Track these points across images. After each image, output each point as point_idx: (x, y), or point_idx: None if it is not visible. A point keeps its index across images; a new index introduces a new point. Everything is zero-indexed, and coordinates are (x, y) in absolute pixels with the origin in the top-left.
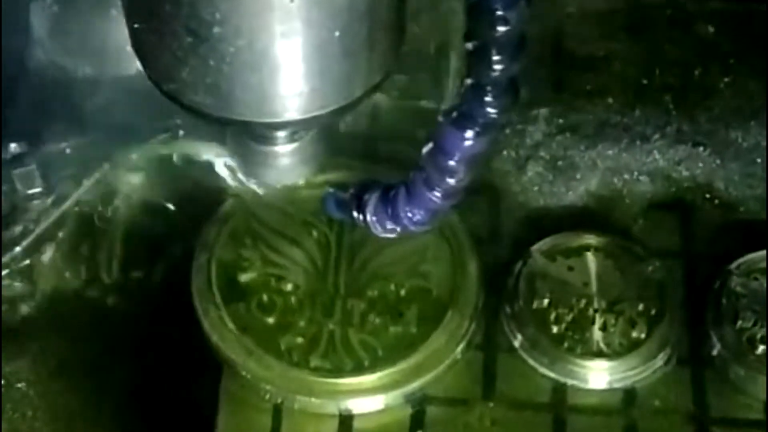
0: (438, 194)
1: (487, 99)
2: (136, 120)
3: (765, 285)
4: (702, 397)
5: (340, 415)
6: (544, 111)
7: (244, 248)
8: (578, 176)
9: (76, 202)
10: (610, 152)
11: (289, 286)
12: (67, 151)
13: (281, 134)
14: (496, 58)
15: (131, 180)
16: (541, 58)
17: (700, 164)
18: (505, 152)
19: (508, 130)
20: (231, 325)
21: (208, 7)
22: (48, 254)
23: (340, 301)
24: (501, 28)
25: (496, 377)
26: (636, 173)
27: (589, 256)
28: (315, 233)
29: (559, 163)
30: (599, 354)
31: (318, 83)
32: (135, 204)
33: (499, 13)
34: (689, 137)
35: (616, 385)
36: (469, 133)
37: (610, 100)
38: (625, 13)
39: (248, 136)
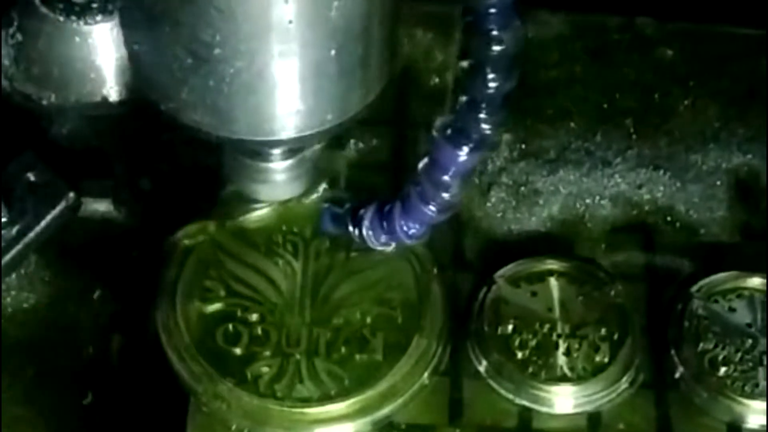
0: (433, 208)
1: (482, 116)
2: (101, 147)
3: (726, 307)
4: (666, 420)
5: None
6: (506, 136)
7: (209, 279)
8: (541, 201)
9: (41, 231)
10: (572, 177)
11: (254, 316)
12: (32, 180)
13: (276, 151)
14: (491, 76)
15: (97, 208)
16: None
17: (661, 187)
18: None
19: None
20: (197, 356)
21: (207, 29)
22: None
23: (306, 330)
24: (496, 48)
25: (462, 403)
26: (598, 197)
27: (552, 282)
28: (280, 262)
29: (522, 188)
30: (563, 379)
31: (314, 102)
32: (101, 232)
33: (495, 33)
34: (650, 161)
35: (581, 409)
36: (464, 149)
37: (572, 125)
38: (586, 37)
39: (243, 153)
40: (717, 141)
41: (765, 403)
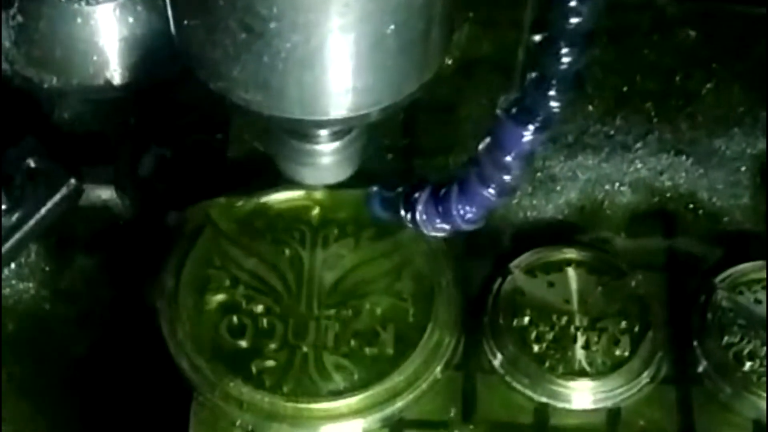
0: (492, 191)
1: (551, 93)
2: (104, 132)
3: (751, 299)
4: (688, 416)
5: None
6: None
7: (213, 268)
8: (558, 188)
9: (41, 219)
10: (590, 162)
11: (260, 308)
12: (32, 166)
13: (324, 132)
14: (564, 50)
15: (100, 195)
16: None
17: (683, 173)
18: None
19: None
20: (200, 349)
21: (265, 2)
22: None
23: (313, 322)
24: (574, 20)
25: (476, 398)
26: (617, 184)
27: (570, 272)
28: (287, 252)
29: (539, 174)
30: (582, 373)
31: (372, 80)
32: (101, 221)
33: (573, 4)
34: (672, 146)
35: (600, 405)
36: (529, 128)
37: (590, 108)
38: (605, 17)
39: (289, 134)
40: (741, 125)
41: None
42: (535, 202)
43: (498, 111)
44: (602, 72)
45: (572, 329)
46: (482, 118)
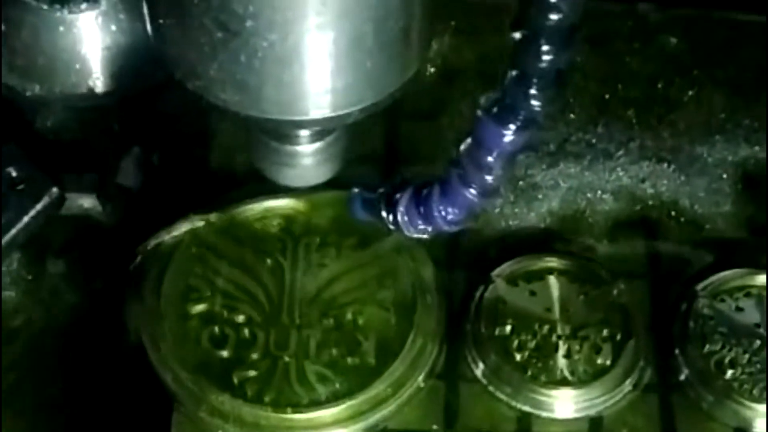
0: (474, 191)
1: (532, 91)
2: (86, 140)
3: (732, 306)
4: (671, 424)
5: None
6: None
7: (195, 278)
8: (540, 196)
9: (24, 227)
10: (572, 170)
11: (241, 318)
12: (13, 175)
13: (305, 133)
14: (545, 48)
15: (82, 204)
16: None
17: (665, 181)
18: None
19: None
20: (182, 359)
21: (240, 0)
22: None
23: (295, 332)
24: (553, 17)
25: (458, 408)
26: (599, 191)
27: (552, 280)
28: (268, 261)
29: (520, 182)
30: (564, 382)
31: (351, 79)
32: (83, 229)
33: (553, 0)
34: (653, 153)
35: (583, 414)
36: (510, 128)
37: (572, 116)
38: (586, 25)
39: (270, 136)
40: (723, 132)
41: None
42: (517, 210)
43: (479, 111)
44: (584, 79)
45: (554, 338)
46: (465, 126)
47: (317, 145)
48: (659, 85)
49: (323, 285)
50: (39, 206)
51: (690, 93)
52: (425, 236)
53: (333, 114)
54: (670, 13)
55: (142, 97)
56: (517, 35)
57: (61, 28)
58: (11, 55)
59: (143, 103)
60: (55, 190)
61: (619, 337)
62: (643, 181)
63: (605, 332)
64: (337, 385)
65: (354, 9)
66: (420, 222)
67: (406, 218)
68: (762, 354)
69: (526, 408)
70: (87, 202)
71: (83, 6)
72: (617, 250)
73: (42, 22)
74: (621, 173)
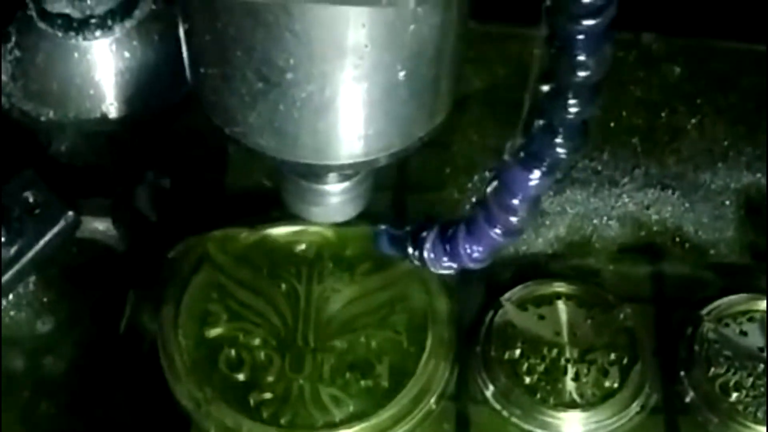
0: (499, 231)
1: (558, 140)
2: (100, 164)
3: (737, 330)
4: None
5: None
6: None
7: (211, 302)
8: (547, 222)
9: (40, 251)
10: (578, 197)
11: (257, 341)
12: (30, 199)
13: (334, 174)
14: (572, 101)
15: (97, 227)
16: (511, 100)
17: (670, 207)
18: (474, 199)
19: (475, 177)
20: (198, 382)
21: (281, 53)
22: (9, 303)
23: (309, 355)
24: (581, 74)
25: (469, 429)
26: (605, 218)
27: (560, 305)
28: (283, 286)
29: None
30: (572, 404)
31: (383, 125)
32: (98, 252)
33: (581, 58)
34: (658, 180)
35: None
36: (536, 173)
37: None
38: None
39: (299, 175)
40: (725, 160)
41: None
42: (525, 236)
43: (505, 155)
44: None
45: (563, 361)
46: (474, 154)
47: (345, 184)
48: (663, 114)
49: (337, 309)
50: (55, 230)
51: (693, 121)
52: (450, 272)
53: (364, 159)
54: (673, 42)
55: (155, 122)
56: (546, 88)
57: (76, 55)
58: (26, 81)
59: (156, 127)
60: (70, 213)
61: (626, 360)
62: (648, 207)
63: (612, 356)
64: (351, 408)
65: (389, 61)
66: (446, 259)
67: (432, 255)
68: (765, 377)
69: (536, 430)
70: (102, 225)
71: (97, 33)
72: (623, 274)
73: (57, 49)
74: (626, 200)
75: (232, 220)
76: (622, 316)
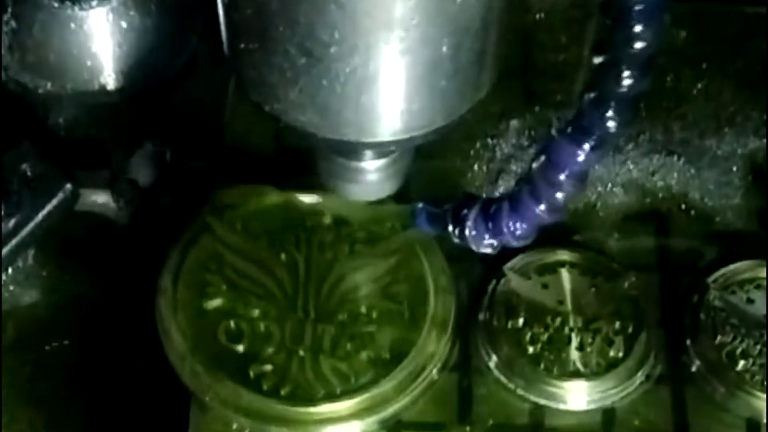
0: (543, 208)
1: (608, 114)
2: (99, 136)
3: (743, 298)
4: (682, 415)
5: None
6: (514, 123)
7: (210, 273)
8: None
9: (38, 224)
10: None
11: (256, 312)
12: (28, 172)
13: (371, 150)
14: (626, 73)
15: (96, 199)
16: (510, 68)
17: (675, 174)
18: (476, 166)
19: (478, 144)
20: (198, 354)
21: (326, 27)
22: (8, 277)
23: (310, 326)
24: (638, 45)
25: (472, 400)
26: (609, 185)
27: (564, 273)
28: (283, 256)
29: None
30: (577, 374)
31: (427, 101)
32: (97, 225)
33: (638, 29)
34: (663, 146)
35: (595, 406)
36: (584, 148)
37: None
38: (594, 19)
39: (336, 152)
40: (732, 125)
41: None
42: None
43: (553, 131)
44: None
45: (566, 330)
46: (476, 121)
47: (382, 161)
48: (668, 79)
49: (337, 279)
50: (54, 202)
51: (699, 86)
52: (491, 251)
53: (406, 135)
54: (678, 6)
55: (154, 93)
56: (599, 60)
57: (72, 25)
58: (23, 53)
59: (155, 98)
60: (69, 186)
61: (631, 329)
62: (653, 174)
63: (617, 324)
64: (352, 379)
65: (435, 34)
66: (488, 236)
67: (474, 232)
68: None
69: (540, 400)
70: (101, 198)
71: (94, 3)
72: (628, 242)
73: (53, 19)
74: (631, 166)
75: (230, 190)
76: (626, 284)
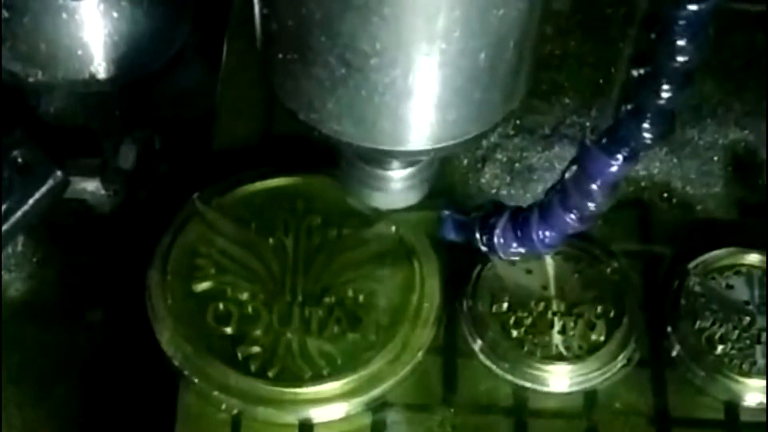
0: (574, 216)
1: (645, 125)
2: (89, 125)
3: (723, 284)
4: (663, 398)
5: (300, 425)
6: None
7: (199, 257)
8: (535, 177)
9: (28, 211)
10: (567, 153)
11: (245, 295)
12: (19, 159)
13: (401, 159)
14: (665, 87)
15: (85, 187)
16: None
17: (658, 163)
18: (461, 154)
19: None
20: (187, 336)
21: (368, 39)
22: None
23: (297, 308)
24: (680, 59)
25: (456, 382)
26: None
27: (548, 259)
28: (271, 240)
29: (516, 164)
30: (559, 357)
31: (464, 111)
32: (87, 212)
33: (681, 43)
34: None
35: (577, 388)
36: (618, 158)
37: (567, 100)
38: (580, 11)
39: (363, 160)
40: (714, 116)
41: (763, 381)
42: (513, 191)
43: (587, 141)
44: (578, 64)
45: (550, 315)
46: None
47: (409, 170)
48: None
49: (325, 263)
50: (43, 189)
51: None
52: (516, 258)
53: (440, 145)
54: None
55: (144, 83)
56: (639, 72)
57: (64, 15)
58: (14, 42)
59: (145, 88)
60: (59, 173)
61: (612, 314)
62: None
63: (599, 309)
64: (339, 361)
65: (475, 46)
66: (515, 244)
67: (501, 240)
68: (751, 330)
69: (523, 383)
70: (90, 186)
71: None
72: (611, 229)
73: (45, 9)
74: None
75: (220, 177)
76: (609, 270)
